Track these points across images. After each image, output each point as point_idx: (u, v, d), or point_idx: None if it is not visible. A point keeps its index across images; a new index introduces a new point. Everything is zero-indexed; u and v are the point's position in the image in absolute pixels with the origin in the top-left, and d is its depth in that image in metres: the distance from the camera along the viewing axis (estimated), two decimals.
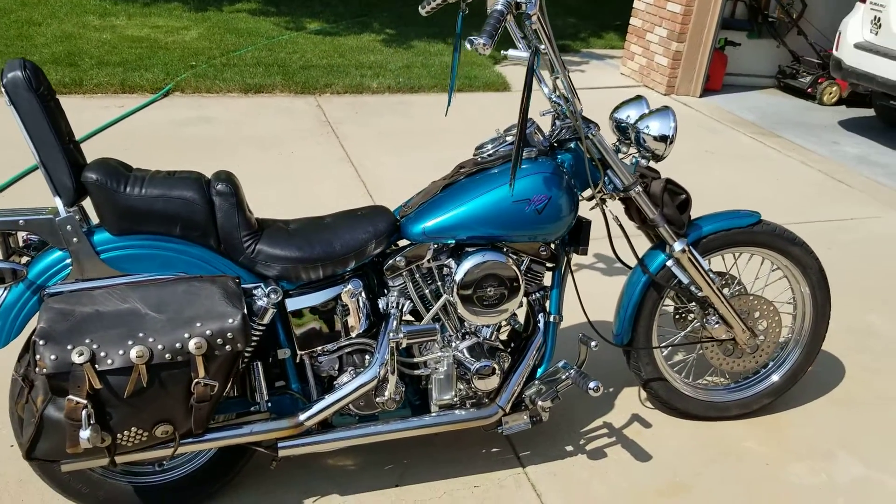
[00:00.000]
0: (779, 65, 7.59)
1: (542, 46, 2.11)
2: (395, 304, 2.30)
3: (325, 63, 6.98)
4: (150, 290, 1.99)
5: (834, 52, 6.42)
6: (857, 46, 6.11)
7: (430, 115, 6.04)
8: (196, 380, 1.90)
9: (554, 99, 2.39)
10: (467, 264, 2.25)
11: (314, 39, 7.76)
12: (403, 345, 2.24)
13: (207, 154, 4.89)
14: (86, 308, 1.90)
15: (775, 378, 2.78)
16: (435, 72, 6.98)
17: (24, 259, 2.09)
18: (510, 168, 2.29)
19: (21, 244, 2.11)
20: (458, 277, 2.25)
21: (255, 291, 2.14)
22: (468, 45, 2.04)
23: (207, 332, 1.90)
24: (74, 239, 2.00)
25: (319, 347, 2.25)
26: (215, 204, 2.08)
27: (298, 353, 2.24)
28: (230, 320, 1.93)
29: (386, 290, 2.33)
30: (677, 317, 2.73)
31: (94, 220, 2.08)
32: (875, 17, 6.05)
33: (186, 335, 1.88)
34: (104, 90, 5.88)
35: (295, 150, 5.12)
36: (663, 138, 2.37)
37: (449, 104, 2.54)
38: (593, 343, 2.42)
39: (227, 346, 1.92)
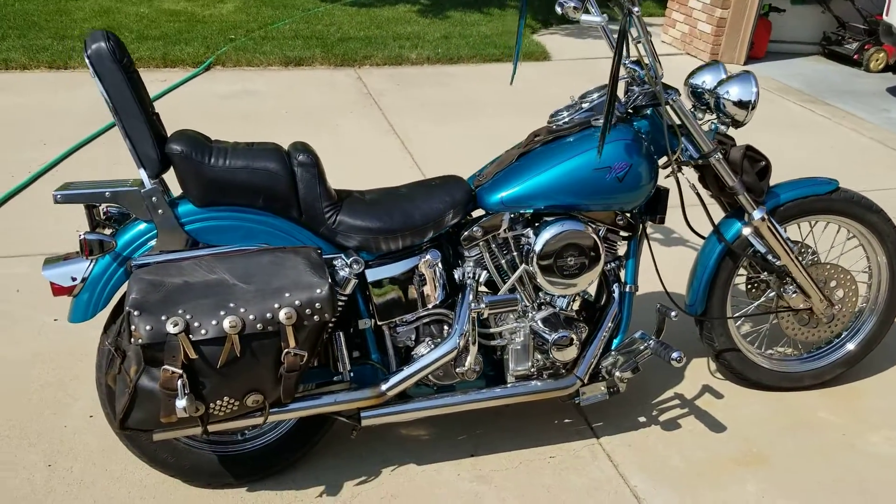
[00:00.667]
0: (823, 31, 7.41)
1: (636, 9, 2.05)
2: (471, 275, 2.28)
3: (362, 35, 6.92)
4: (236, 260, 1.98)
5: (884, 17, 6.26)
6: None
7: (472, 85, 5.97)
8: (286, 349, 1.90)
9: (629, 65, 2.34)
10: (546, 234, 2.23)
11: (350, 11, 7.70)
12: (484, 315, 2.22)
13: (254, 127, 4.88)
14: (175, 279, 1.90)
15: (851, 347, 2.74)
16: (473, 42, 6.90)
17: (108, 231, 2.10)
18: (590, 135, 2.25)
19: (102, 216, 2.11)
20: (537, 247, 2.22)
21: (335, 262, 2.13)
22: (558, 9, 2.00)
23: (296, 302, 1.90)
24: (160, 210, 2.00)
25: (398, 318, 2.25)
26: (297, 175, 2.07)
27: (378, 323, 2.23)
28: (318, 290, 1.92)
29: (461, 261, 2.32)
30: (750, 287, 2.69)
31: (174, 191, 2.08)
32: None
33: (276, 305, 1.88)
34: (146, 64, 5.88)
35: (340, 122, 5.10)
36: (744, 104, 2.32)
37: (514, 72, 2.50)
38: (672, 313, 2.39)
39: (316, 317, 1.92)
